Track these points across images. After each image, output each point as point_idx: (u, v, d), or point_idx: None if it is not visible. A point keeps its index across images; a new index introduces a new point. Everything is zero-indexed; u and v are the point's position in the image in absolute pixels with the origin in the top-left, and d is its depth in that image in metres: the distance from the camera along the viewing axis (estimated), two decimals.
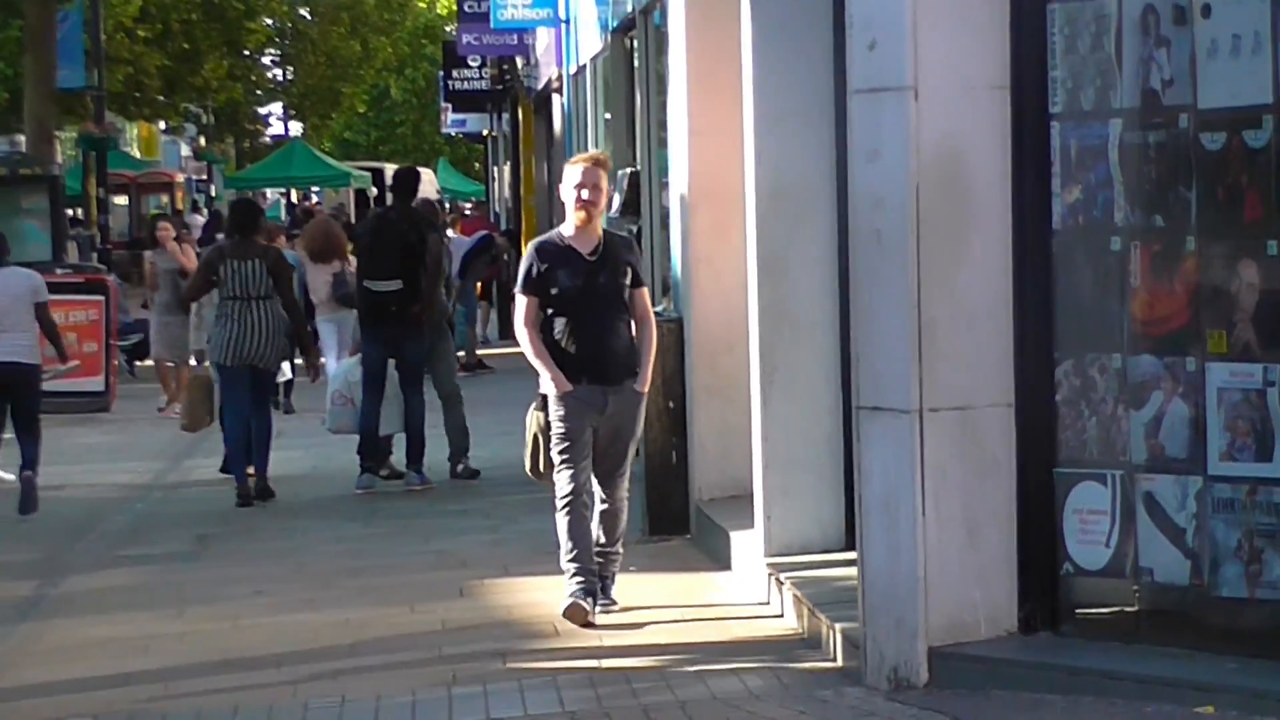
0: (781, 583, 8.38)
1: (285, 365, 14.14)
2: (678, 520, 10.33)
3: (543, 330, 8.52)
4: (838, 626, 7.46)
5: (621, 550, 8.79)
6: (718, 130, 10.00)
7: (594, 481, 8.60)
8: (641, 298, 8.58)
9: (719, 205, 10.04)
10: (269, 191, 54.07)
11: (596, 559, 8.58)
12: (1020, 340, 7.01)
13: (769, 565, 8.71)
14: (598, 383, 8.45)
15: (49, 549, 11.72)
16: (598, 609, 8.47)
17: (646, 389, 8.60)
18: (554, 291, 8.45)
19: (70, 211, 34.91)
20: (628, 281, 8.49)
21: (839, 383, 8.81)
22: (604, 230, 8.60)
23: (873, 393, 7.03)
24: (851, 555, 7.88)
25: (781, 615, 8.34)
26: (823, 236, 8.87)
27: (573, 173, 8.54)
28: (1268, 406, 6.53)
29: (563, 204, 8.68)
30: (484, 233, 24.52)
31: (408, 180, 13.84)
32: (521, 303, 8.58)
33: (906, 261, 6.87)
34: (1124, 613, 6.92)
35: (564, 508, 8.49)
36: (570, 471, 8.48)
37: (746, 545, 9.10)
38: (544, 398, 8.56)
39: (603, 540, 8.68)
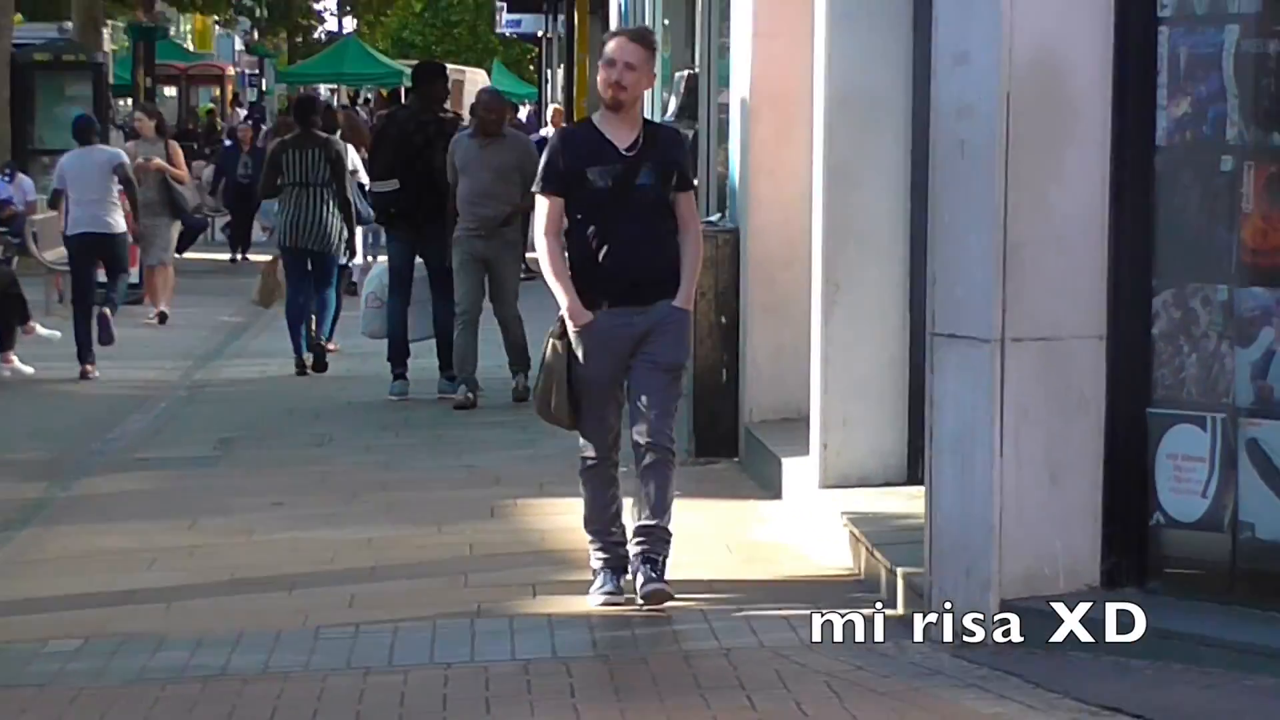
0: (838, 517, 7.77)
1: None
2: (726, 442, 9.89)
3: (568, 240, 7.12)
4: (899, 570, 6.87)
5: (671, 529, 7.14)
6: (784, 32, 9.49)
7: (634, 431, 7.10)
8: (687, 202, 7.19)
9: (783, 112, 9.51)
10: (321, 87, 53.71)
11: (638, 539, 7.08)
12: (1115, 266, 6.40)
13: (824, 497, 8.11)
14: (626, 304, 7.00)
15: (64, 448, 11.34)
16: (644, 590, 7.00)
17: (690, 306, 7.21)
18: (581, 191, 7.03)
19: (121, 102, 34.66)
20: (672, 183, 7.11)
21: (906, 304, 8.26)
22: (646, 121, 7.28)
23: (949, 318, 6.43)
24: (914, 490, 7.39)
25: (836, 553, 7.73)
26: (895, 146, 8.30)
27: (608, 48, 7.16)
28: None
29: None
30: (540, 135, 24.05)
31: (425, 76, 13.20)
32: (542, 205, 7.14)
33: (994, 176, 6.28)
34: (1219, 571, 6.30)
35: (586, 470, 7.18)
36: (595, 426, 7.09)
37: (799, 473, 8.53)
38: (561, 323, 7.11)
39: (646, 516, 7.08)
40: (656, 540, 7.07)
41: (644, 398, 7.05)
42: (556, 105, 28.11)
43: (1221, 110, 6.25)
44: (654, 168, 7.03)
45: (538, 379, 7.16)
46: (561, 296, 7.03)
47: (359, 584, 7.67)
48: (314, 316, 14.00)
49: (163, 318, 17.55)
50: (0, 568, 8.23)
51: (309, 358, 13.91)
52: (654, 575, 7.02)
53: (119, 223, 14.45)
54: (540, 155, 7.35)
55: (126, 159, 14.91)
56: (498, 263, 12.08)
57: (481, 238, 11.94)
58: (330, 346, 14.34)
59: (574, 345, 7.02)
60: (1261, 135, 6.20)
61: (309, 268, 13.72)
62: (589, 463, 7.17)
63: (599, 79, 7.16)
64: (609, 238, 6.97)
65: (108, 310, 14.35)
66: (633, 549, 7.11)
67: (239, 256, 23.30)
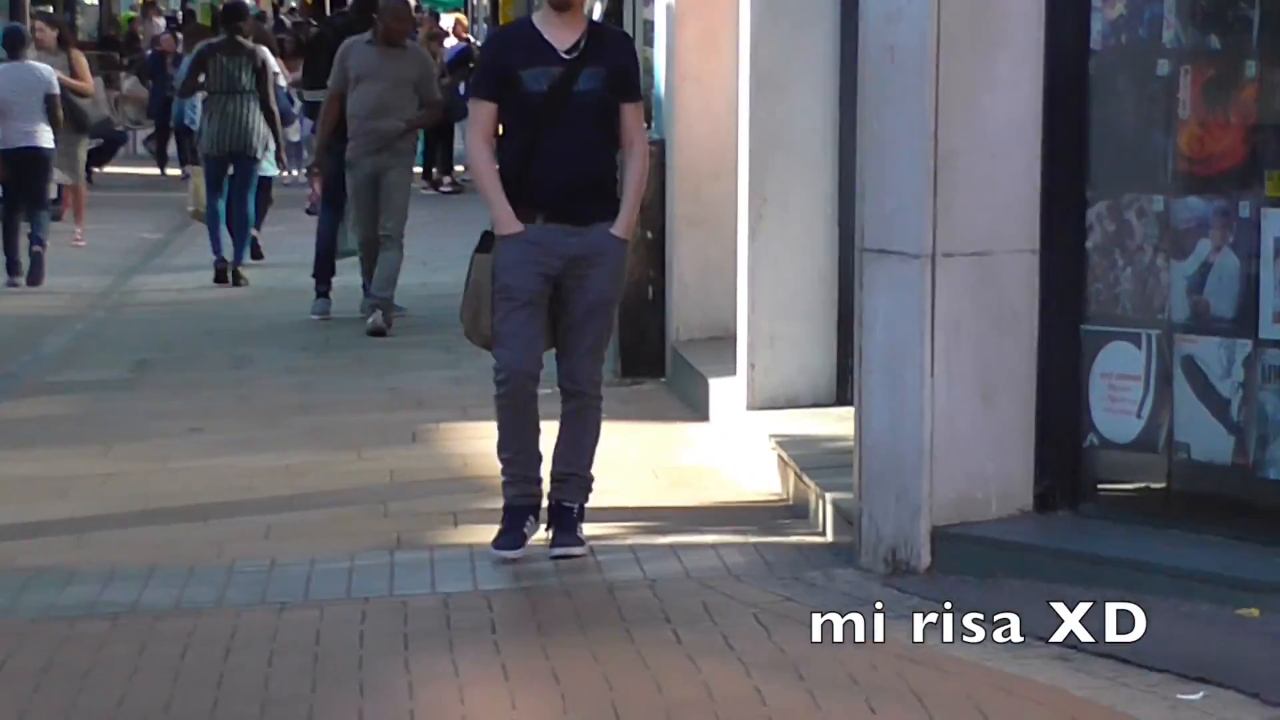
0: (766, 440, 7.57)
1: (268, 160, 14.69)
2: (652, 362, 9.73)
3: (499, 148, 6.60)
4: (828, 496, 6.68)
5: (593, 475, 6.69)
6: None
7: (559, 372, 6.65)
8: (634, 114, 6.58)
9: (708, 16, 9.29)
10: None
11: (555, 485, 6.61)
12: (1049, 177, 6.19)
13: (751, 419, 7.91)
14: (560, 220, 6.44)
15: None
16: (554, 549, 6.55)
17: (630, 235, 6.63)
18: (516, 96, 6.45)
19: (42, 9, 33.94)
20: (617, 91, 6.52)
21: (835, 218, 8.04)
22: (591, 21, 6.74)
23: (879, 233, 6.21)
24: (844, 411, 7.20)
25: (765, 478, 7.53)
26: (824, 52, 8.10)
27: None
28: None
29: None
30: (461, 44, 23.61)
31: None
32: (474, 111, 6.64)
33: (924, 82, 6.06)
34: (1154, 492, 6.14)
35: (501, 392, 6.53)
36: (512, 341, 6.48)
37: (727, 394, 8.34)
38: (487, 237, 6.56)
39: (566, 461, 6.62)
40: (575, 488, 6.62)
41: (571, 335, 6.55)
42: (459, 15, 27.48)
43: (1158, 11, 6.04)
44: (596, 73, 6.44)
45: (463, 296, 6.62)
46: (491, 203, 6.50)
47: (276, 514, 7.46)
48: (234, 233, 14.13)
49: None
50: None
51: (226, 266, 14.08)
52: (567, 535, 6.56)
53: (49, 139, 14.52)
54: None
55: (57, 84, 14.76)
56: (389, 177, 11.57)
57: (374, 153, 11.47)
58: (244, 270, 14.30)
59: (499, 255, 6.48)
60: (1199, 37, 6.00)
61: (230, 172, 13.93)
62: (504, 382, 6.51)
63: None
64: (542, 147, 6.41)
65: (40, 249, 14.40)
66: (549, 496, 6.65)
67: (164, 170, 22.90)
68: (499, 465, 6.71)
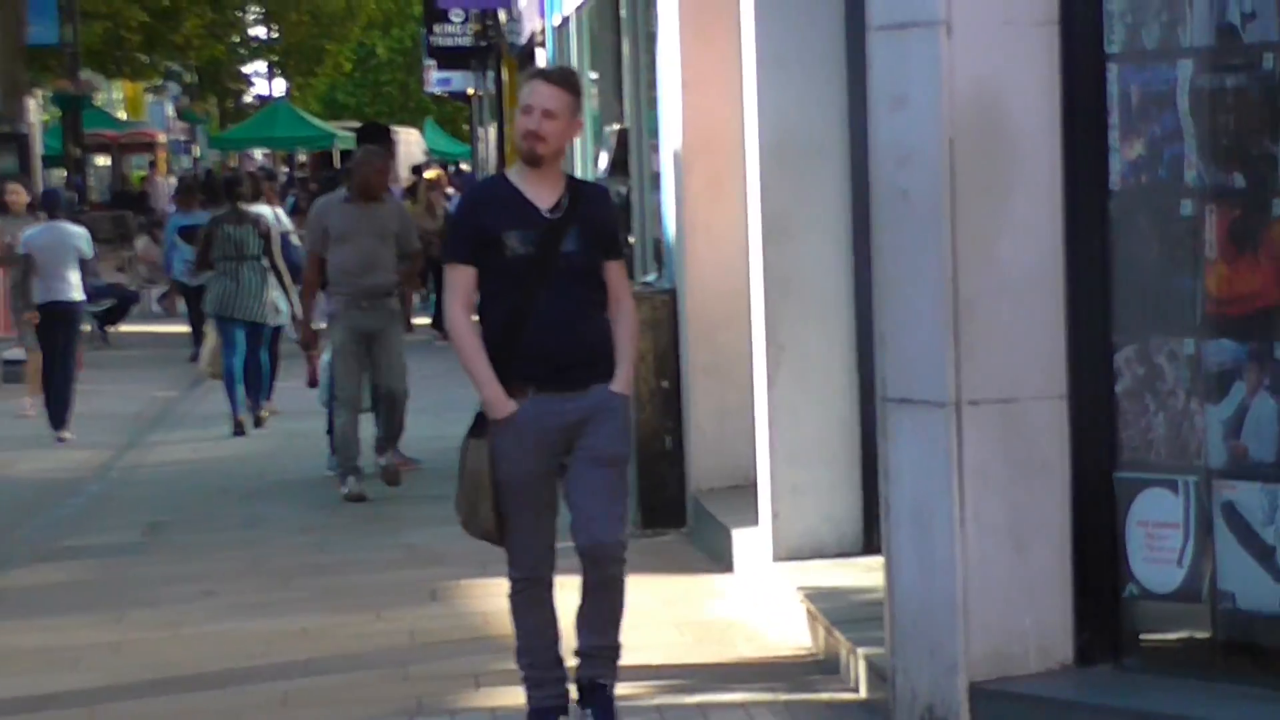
0: (793, 592, 7.40)
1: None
2: (673, 512, 9.57)
3: (481, 317, 6.09)
4: (860, 651, 6.50)
5: (621, 643, 6.20)
6: (713, 80, 9.22)
7: (577, 538, 6.09)
8: (619, 272, 6.18)
9: (715, 163, 9.21)
10: (256, 152, 53.50)
11: (583, 663, 6.15)
12: (1074, 321, 6.02)
13: (777, 570, 7.75)
14: (554, 389, 5.98)
15: None
16: None
17: (630, 390, 6.21)
18: (499, 259, 5.98)
19: (55, 172, 34.33)
20: (602, 249, 6.11)
21: (854, 363, 7.92)
22: (569, 177, 6.27)
23: (901, 382, 6.06)
24: (872, 560, 7.03)
25: (793, 631, 7.35)
26: (834, 196, 8.00)
27: (524, 92, 6.13)
28: None
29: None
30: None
31: (368, 138, 12.83)
32: (453, 277, 6.10)
33: (940, 227, 5.91)
34: (1199, 643, 5.91)
35: (516, 593, 6.11)
36: (520, 537, 6.02)
37: (750, 545, 8.17)
38: (480, 418, 6.04)
39: (596, 633, 6.14)
40: (608, 662, 6.14)
41: (586, 499, 6.01)
42: (432, 172, 26.96)
43: (1178, 151, 5.90)
44: (581, 232, 6.03)
45: (457, 487, 6.08)
46: (480, 384, 5.98)
47: (292, 680, 7.29)
48: (250, 386, 14.73)
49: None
50: None
51: (246, 419, 14.63)
52: (606, 716, 6.11)
53: (79, 294, 15.18)
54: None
55: (89, 246, 15.34)
56: (385, 335, 11.28)
57: (363, 310, 11.18)
58: (266, 412, 14.97)
59: (495, 441, 5.97)
60: (1222, 177, 5.85)
61: (244, 335, 14.54)
62: (518, 583, 6.08)
63: (515, 127, 6.18)
64: (530, 313, 5.94)
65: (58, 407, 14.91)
66: (577, 670, 6.18)
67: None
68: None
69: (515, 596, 6.11)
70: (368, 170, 11.37)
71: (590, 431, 6.02)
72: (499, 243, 5.97)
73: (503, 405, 5.93)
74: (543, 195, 6.04)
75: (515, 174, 6.14)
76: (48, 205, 15.87)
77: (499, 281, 5.99)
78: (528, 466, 5.98)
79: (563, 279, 5.98)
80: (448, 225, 5.90)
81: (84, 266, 15.21)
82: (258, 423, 14.74)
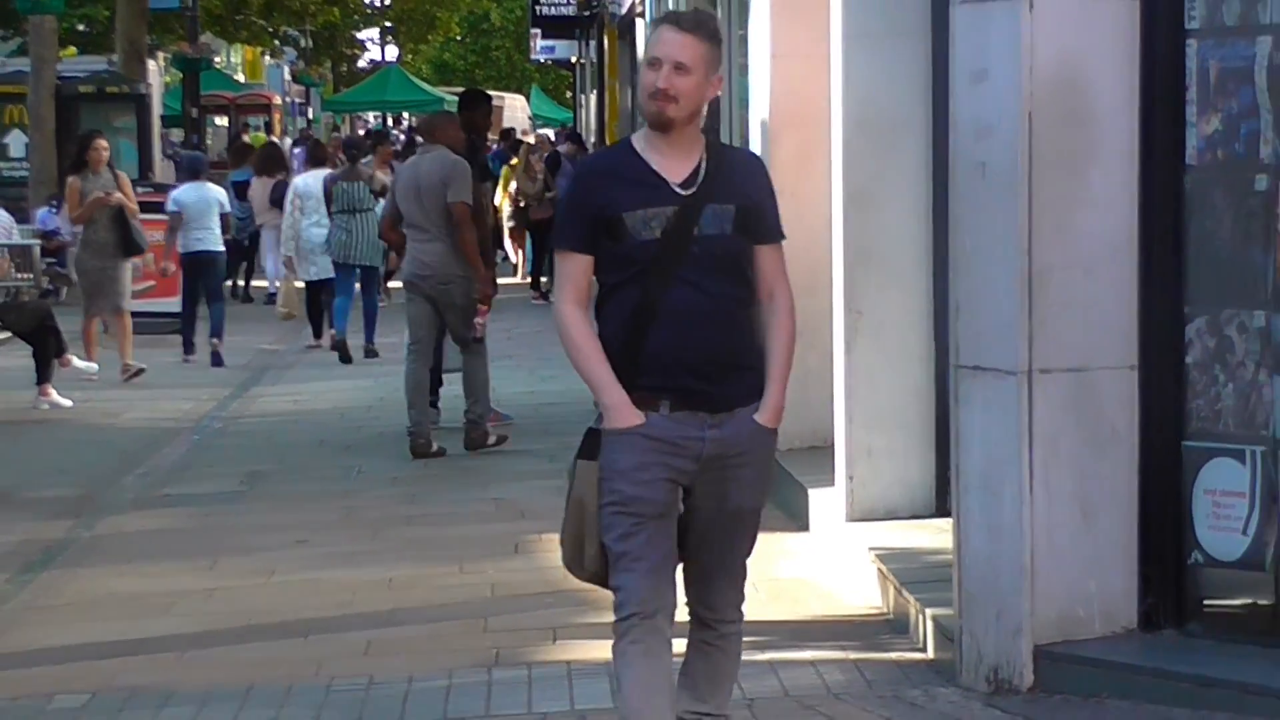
0: (865, 553, 7.51)
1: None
2: None
3: (599, 312, 4.96)
4: (928, 612, 6.60)
5: (730, 715, 5.21)
6: (802, 52, 9.30)
7: (690, 594, 5.07)
8: (774, 259, 4.98)
9: (803, 133, 9.29)
10: (369, 115, 54.17)
11: None
12: (1146, 293, 6.11)
13: (850, 530, 7.85)
14: (691, 408, 4.86)
15: (93, 484, 11.17)
16: None
17: (779, 421, 4.95)
18: (620, 245, 4.86)
19: (173, 132, 34.87)
20: (750, 231, 4.93)
21: (930, 332, 7.99)
22: (710, 142, 5.02)
23: (974, 350, 6.15)
24: (943, 523, 7.12)
25: (864, 591, 7.47)
26: (916, 168, 8.08)
27: (651, 42, 4.98)
28: None
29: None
30: (547, 152, 23.89)
31: (467, 105, 12.82)
32: (564, 266, 4.99)
33: (1016, 199, 5.99)
34: (1262, 610, 5.99)
35: (624, 634, 4.89)
36: (633, 575, 4.86)
37: (826, 505, 8.27)
38: (593, 437, 4.93)
39: (702, 697, 5.07)
40: None
41: (710, 553, 5.00)
42: (528, 138, 26.98)
43: (1254, 126, 5.95)
44: (723, 210, 4.87)
45: (564, 516, 5.01)
46: (598, 389, 4.87)
47: (376, 629, 7.44)
48: (366, 321, 16.73)
49: (138, 372, 15.47)
50: (15, 614, 8.04)
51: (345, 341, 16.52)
52: None
53: (219, 244, 16.93)
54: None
55: (228, 202, 17.59)
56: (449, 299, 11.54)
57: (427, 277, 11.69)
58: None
59: (611, 457, 4.86)
60: None
61: (356, 278, 16.69)
62: (627, 622, 4.87)
63: (642, 88, 4.97)
64: (659, 310, 4.82)
65: (215, 340, 16.55)
66: None
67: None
68: None
69: (621, 642, 4.89)
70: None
71: (729, 473, 4.90)
72: (619, 225, 4.85)
73: (627, 414, 4.82)
74: (674, 166, 4.89)
75: (641, 141, 4.96)
76: (192, 168, 17.51)
77: (620, 272, 4.87)
78: (651, 491, 4.84)
79: (698, 268, 4.84)
80: (558, 205, 4.82)
81: (223, 221, 16.80)
82: (370, 354, 16.39)
